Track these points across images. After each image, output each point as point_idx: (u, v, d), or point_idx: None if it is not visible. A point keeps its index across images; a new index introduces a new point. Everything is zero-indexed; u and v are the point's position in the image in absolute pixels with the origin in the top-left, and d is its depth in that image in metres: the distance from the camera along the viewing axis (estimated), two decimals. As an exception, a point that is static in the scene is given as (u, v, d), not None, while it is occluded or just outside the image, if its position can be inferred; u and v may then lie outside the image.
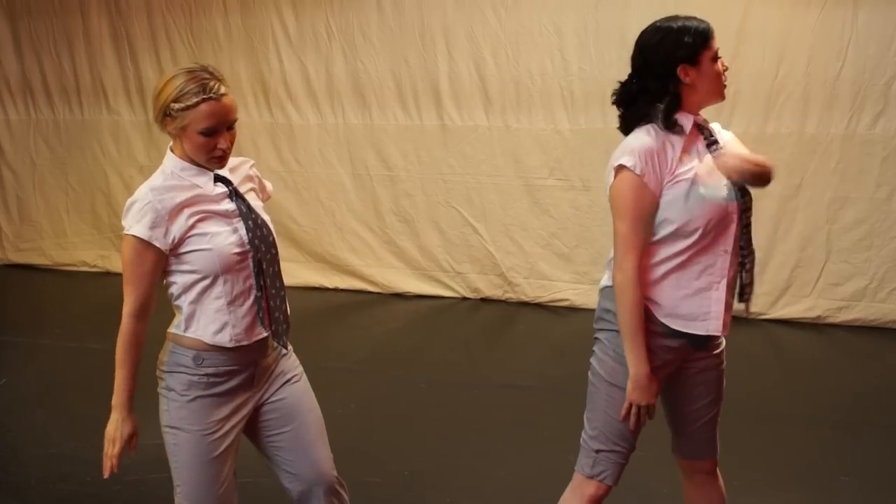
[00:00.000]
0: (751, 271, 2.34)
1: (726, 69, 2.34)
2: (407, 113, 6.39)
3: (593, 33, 5.87)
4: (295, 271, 6.58)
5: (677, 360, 2.34)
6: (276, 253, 2.33)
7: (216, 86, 2.19)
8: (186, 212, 2.20)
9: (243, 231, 2.24)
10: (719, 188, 2.24)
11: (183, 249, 2.21)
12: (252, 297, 2.27)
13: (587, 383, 2.43)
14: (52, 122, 7.32)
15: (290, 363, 2.45)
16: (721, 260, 2.28)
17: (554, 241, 6.24)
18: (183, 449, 2.31)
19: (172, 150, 2.27)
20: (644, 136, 2.28)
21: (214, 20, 6.72)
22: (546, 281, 6.28)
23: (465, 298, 6.48)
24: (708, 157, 2.29)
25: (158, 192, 2.19)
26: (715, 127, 2.42)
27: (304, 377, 2.48)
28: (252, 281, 2.26)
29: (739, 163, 2.24)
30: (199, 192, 2.23)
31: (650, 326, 2.28)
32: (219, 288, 2.23)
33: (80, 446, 3.77)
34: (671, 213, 2.25)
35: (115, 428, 2.36)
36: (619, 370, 2.30)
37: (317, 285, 6.66)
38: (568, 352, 5.23)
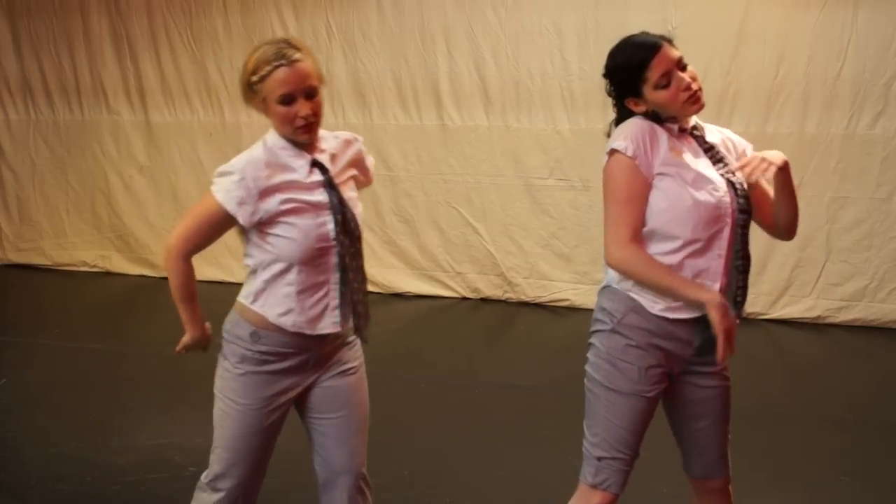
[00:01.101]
0: (745, 275, 2.25)
1: (693, 79, 2.29)
2: (407, 113, 6.39)
3: (593, 33, 5.87)
4: (295, 271, 6.56)
5: (673, 364, 2.28)
6: (361, 247, 2.28)
7: (291, 52, 2.13)
8: (278, 196, 2.16)
9: (331, 225, 2.19)
10: (709, 192, 2.21)
11: (267, 230, 2.18)
12: (323, 290, 2.23)
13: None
14: (52, 122, 7.31)
15: (352, 353, 2.40)
16: (715, 264, 2.22)
17: (554, 241, 6.24)
18: (228, 417, 2.30)
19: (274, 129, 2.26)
20: (636, 121, 2.27)
21: (214, 20, 6.72)
22: (546, 281, 6.28)
23: (465, 298, 6.48)
24: (702, 161, 2.26)
25: (254, 168, 2.17)
26: (710, 128, 2.37)
27: (362, 370, 2.43)
28: (327, 275, 2.22)
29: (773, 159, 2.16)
30: (294, 177, 2.19)
31: (643, 324, 2.22)
32: (292, 276, 2.20)
33: (80, 446, 3.77)
34: (654, 211, 2.21)
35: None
36: (616, 373, 2.24)
37: (317, 285, 6.67)
38: (568, 352, 5.22)
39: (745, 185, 2.26)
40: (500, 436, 4.02)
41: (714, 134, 2.36)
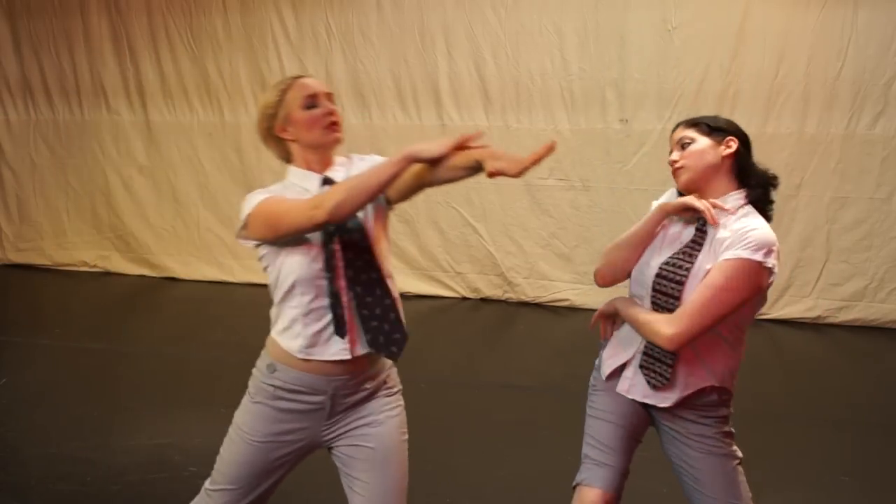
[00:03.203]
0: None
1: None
2: (406, 113, 6.39)
3: (593, 33, 5.87)
4: (295, 271, 6.57)
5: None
6: (372, 258, 2.15)
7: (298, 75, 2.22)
8: None
9: (323, 241, 2.12)
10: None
11: (274, 249, 2.14)
12: (327, 313, 2.12)
13: (587, 385, 2.43)
14: (52, 122, 7.32)
15: (381, 403, 2.23)
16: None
17: (554, 241, 6.24)
18: (231, 443, 2.24)
19: (292, 164, 2.25)
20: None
21: (214, 20, 6.72)
22: (546, 281, 6.29)
23: (465, 298, 6.48)
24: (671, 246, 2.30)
25: (278, 191, 2.18)
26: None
27: (399, 418, 2.25)
28: (343, 297, 2.12)
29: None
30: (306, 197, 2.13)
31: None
32: (296, 298, 2.12)
33: (80, 446, 3.77)
34: None
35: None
36: (593, 375, 2.40)
37: (317, 285, 6.66)
38: (568, 352, 5.23)
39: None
40: (500, 436, 4.02)
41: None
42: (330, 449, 2.26)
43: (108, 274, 7.24)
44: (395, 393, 2.29)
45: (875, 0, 5.44)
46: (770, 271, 2.11)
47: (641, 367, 2.26)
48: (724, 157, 2.22)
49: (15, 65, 7.30)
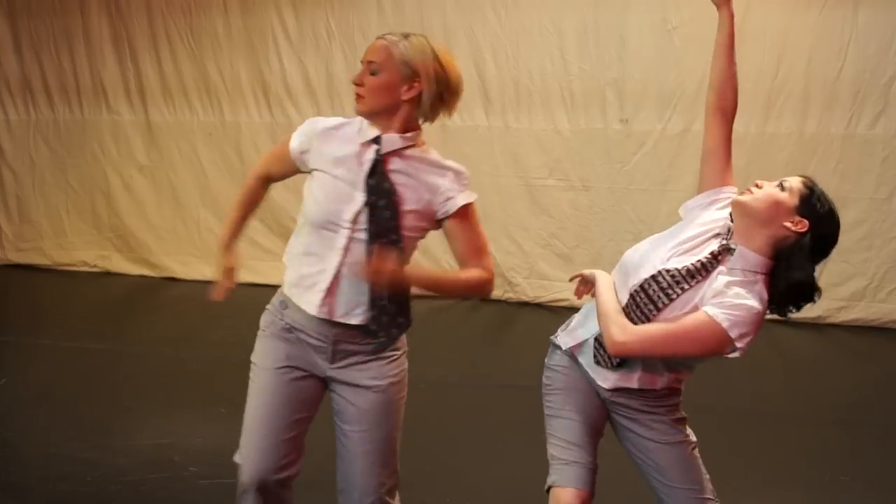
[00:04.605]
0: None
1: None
2: (407, 113, 6.39)
3: (593, 33, 5.87)
4: (295, 271, 6.57)
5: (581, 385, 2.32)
6: (398, 239, 2.17)
7: (390, 34, 2.21)
8: (328, 157, 2.20)
9: (355, 206, 2.15)
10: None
11: (309, 182, 2.24)
12: (321, 266, 2.17)
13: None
14: (52, 122, 7.32)
15: (383, 370, 2.27)
16: None
17: (554, 241, 6.24)
18: (251, 386, 2.29)
19: None
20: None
21: (214, 20, 6.72)
22: (546, 281, 6.28)
23: (465, 298, 6.48)
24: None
25: (327, 122, 2.29)
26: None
27: (401, 383, 2.31)
28: (331, 254, 2.16)
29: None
30: (352, 151, 2.20)
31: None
32: (304, 236, 2.22)
33: (80, 446, 3.77)
34: None
35: (216, 263, 2.36)
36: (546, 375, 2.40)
37: (317, 285, 6.65)
38: (568, 352, 5.22)
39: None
40: (500, 436, 4.02)
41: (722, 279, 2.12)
42: (329, 388, 2.31)
43: (108, 274, 7.24)
44: (400, 356, 2.33)
45: (875, 0, 5.44)
46: (736, 350, 2.06)
47: (595, 339, 2.26)
48: (787, 227, 2.09)
49: (15, 65, 7.29)
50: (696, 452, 2.33)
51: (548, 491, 2.28)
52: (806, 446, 3.97)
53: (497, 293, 6.41)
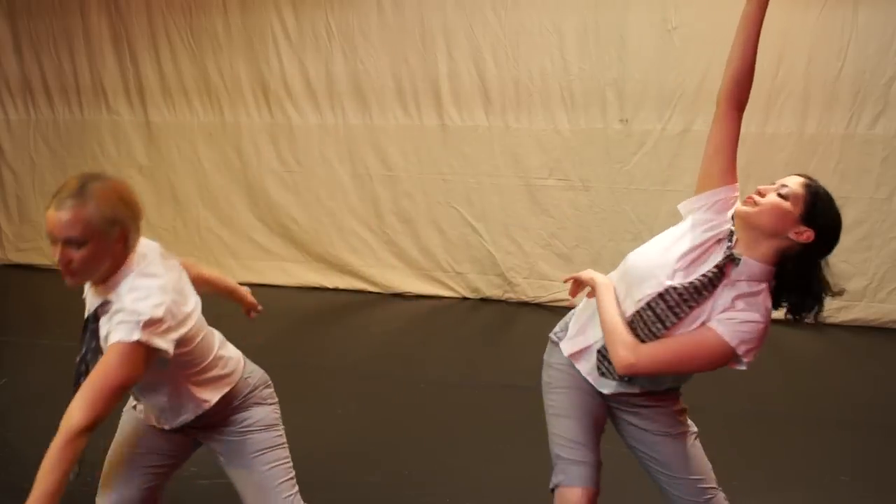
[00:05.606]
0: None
1: None
2: (407, 113, 6.40)
3: (593, 33, 5.87)
4: (294, 271, 6.58)
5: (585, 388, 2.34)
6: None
7: (65, 196, 2.02)
8: None
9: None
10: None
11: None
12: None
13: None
14: (52, 122, 7.32)
15: (236, 426, 2.44)
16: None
17: (554, 241, 6.24)
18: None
19: None
20: None
21: (214, 20, 6.72)
22: (546, 281, 6.29)
23: (465, 298, 6.48)
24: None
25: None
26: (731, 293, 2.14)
27: (253, 438, 2.42)
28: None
29: None
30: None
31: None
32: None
33: (79, 446, 3.77)
34: None
35: None
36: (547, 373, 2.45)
37: (316, 285, 6.66)
38: (568, 352, 5.22)
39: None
40: (500, 436, 4.02)
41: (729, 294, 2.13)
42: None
43: (108, 274, 7.23)
44: (249, 418, 2.44)
45: (875, 0, 5.44)
46: (743, 363, 2.09)
47: (599, 352, 2.27)
48: (792, 238, 2.10)
49: (15, 65, 7.29)
50: (698, 442, 2.34)
51: (553, 490, 2.29)
52: (806, 446, 3.97)
53: (497, 293, 6.42)
